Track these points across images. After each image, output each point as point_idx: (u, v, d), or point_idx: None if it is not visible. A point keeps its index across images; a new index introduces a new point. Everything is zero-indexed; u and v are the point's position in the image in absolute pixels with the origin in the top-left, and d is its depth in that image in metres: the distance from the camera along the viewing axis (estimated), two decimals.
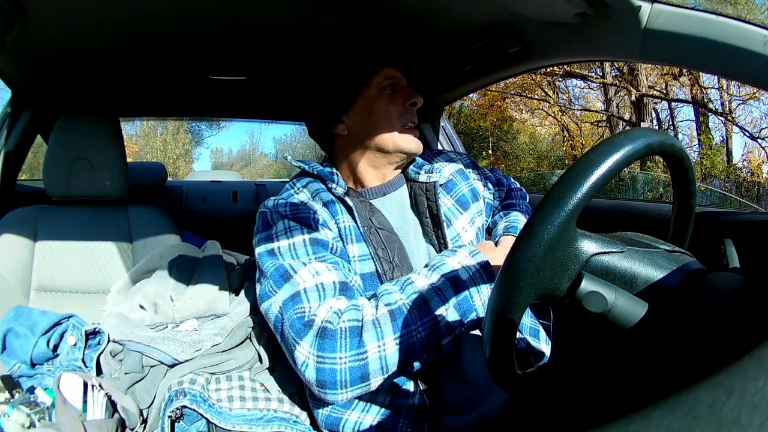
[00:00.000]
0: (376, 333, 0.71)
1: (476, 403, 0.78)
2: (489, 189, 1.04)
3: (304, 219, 0.83)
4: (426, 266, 0.80)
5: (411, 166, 0.94)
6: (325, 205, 0.87)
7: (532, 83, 12.45)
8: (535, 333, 0.90)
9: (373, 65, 0.90)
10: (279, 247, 0.81)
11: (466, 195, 0.96)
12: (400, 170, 0.95)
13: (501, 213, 1.03)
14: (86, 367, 0.92)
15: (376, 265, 0.83)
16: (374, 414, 0.79)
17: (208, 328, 0.99)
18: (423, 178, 0.92)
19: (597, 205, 1.24)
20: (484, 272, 0.77)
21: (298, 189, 0.90)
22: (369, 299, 0.78)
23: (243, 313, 1.00)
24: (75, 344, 0.94)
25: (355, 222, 0.85)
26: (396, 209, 0.92)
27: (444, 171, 0.97)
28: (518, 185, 1.12)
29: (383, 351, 0.70)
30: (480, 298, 0.75)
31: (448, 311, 0.73)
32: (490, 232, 1.02)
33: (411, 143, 0.90)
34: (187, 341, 0.92)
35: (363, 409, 0.80)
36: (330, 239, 0.83)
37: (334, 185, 0.88)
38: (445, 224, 0.89)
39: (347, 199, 0.86)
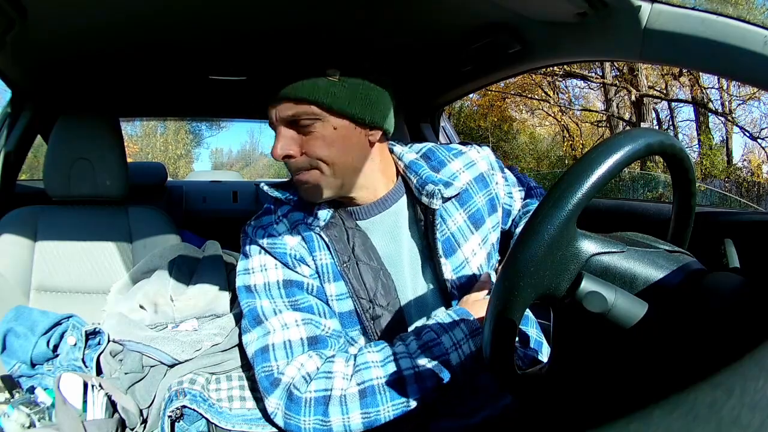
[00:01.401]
0: (342, 408, 0.71)
1: (482, 408, 0.78)
2: (509, 193, 0.94)
3: (280, 255, 0.80)
4: (419, 336, 0.75)
5: (414, 179, 0.84)
6: (304, 239, 0.81)
7: (532, 83, 12.45)
8: (538, 345, 0.89)
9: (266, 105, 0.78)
10: (255, 284, 0.81)
11: (482, 209, 0.87)
12: (391, 180, 0.85)
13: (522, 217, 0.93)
14: (86, 367, 0.93)
15: (354, 305, 0.80)
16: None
17: (208, 328, 0.99)
18: (424, 200, 0.82)
19: (597, 205, 1.24)
20: (478, 356, 0.73)
21: (279, 217, 0.85)
22: (345, 363, 0.75)
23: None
24: (75, 344, 0.94)
25: (333, 258, 0.80)
26: (387, 234, 0.84)
27: (459, 179, 0.86)
28: (535, 183, 1.00)
29: (348, 422, 0.71)
30: (465, 377, 0.73)
31: (426, 397, 0.72)
32: (508, 238, 0.95)
33: (302, 194, 0.80)
34: (186, 341, 0.92)
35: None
36: (306, 277, 0.80)
37: (311, 219, 0.82)
38: (444, 255, 0.81)
39: (322, 234, 0.81)
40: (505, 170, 0.96)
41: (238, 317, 0.99)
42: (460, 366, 0.73)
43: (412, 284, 0.84)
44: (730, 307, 0.43)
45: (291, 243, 0.81)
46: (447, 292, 0.82)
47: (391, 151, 0.88)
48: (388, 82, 0.81)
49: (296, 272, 0.80)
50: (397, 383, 0.72)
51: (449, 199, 0.84)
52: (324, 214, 0.82)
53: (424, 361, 0.73)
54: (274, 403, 0.74)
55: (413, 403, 0.71)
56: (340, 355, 0.76)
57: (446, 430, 0.76)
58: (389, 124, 0.82)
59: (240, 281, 0.83)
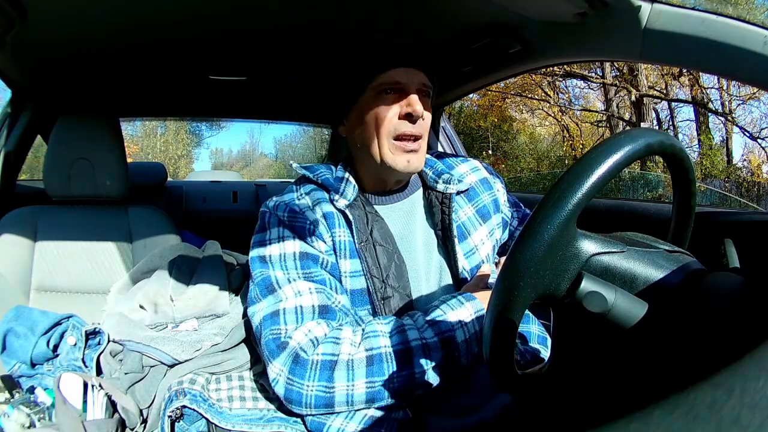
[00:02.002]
0: (348, 374, 0.71)
1: (479, 407, 0.78)
2: (508, 206, 0.98)
3: (299, 229, 0.82)
4: (426, 313, 0.77)
5: (429, 173, 0.90)
6: (324, 216, 0.83)
7: (532, 83, 12.45)
8: (543, 341, 0.89)
9: (369, 70, 0.82)
10: (270, 255, 0.81)
11: (487, 206, 0.92)
12: (407, 179, 0.90)
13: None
14: (86, 367, 0.93)
15: (367, 283, 0.81)
16: (357, 422, 0.77)
17: (208, 328, 0.99)
18: (440, 187, 0.88)
19: (597, 205, 1.24)
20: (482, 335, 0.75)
21: (301, 194, 0.87)
22: (353, 332, 0.76)
23: (243, 313, 1.00)
24: (75, 344, 0.94)
25: (352, 236, 0.82)
26: (403, 218, 0.88)
27: (466, 179, 0.93)
28: (529, 212, 1.03)
29: (351, 390, 0.71)
30: (469, 359, 0.75)
31: (431, 370, 0.73)
32: (502, 253, 0.97)
33: (398, 162, 0.82)
34: (186, 341, 0.92)
35: (346, 417, 0.77)
36: (322, 252, 0.82)
37: (337, 196, 0.84)
38: (457, 239, 0.85)
39: (347, 212, 0.83)
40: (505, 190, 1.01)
41: (239, 316, 0.99)
42: (466, 344, 0.74)
43: (425, 268, 0.86)
44: (730, 307, 0.43)
45: (311, 218, 0.83)
46: (458, 277, 0.85)
47: None
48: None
49: (313, 246, 0.82)
50: (404, 353, 0.73)
51: (459, 193, 0.90)
52: (350, 194, 0.84)
53: (430, 334, 0.74)
54: (277, 368, 0.73)
55: (417, 378, 0.72)
56: (348, 324, 0.78)
57: (445, 428, 0.76)
58: None
59: (255, 252, 0.83)
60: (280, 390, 0.74)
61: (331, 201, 0.85)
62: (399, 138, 0.82)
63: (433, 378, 0.73)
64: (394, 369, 0.72)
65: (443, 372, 0.74)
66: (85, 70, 1.35)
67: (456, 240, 0.85)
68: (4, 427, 0.75)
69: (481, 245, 0.88)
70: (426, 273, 0.86)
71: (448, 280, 0.87)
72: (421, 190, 0.91)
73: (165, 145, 18.06)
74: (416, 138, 0.83)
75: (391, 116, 0.81)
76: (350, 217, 0.83)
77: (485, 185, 0.94)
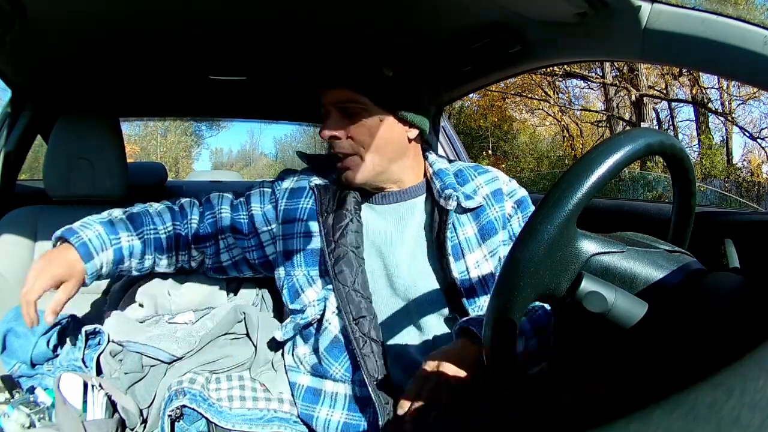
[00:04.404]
0: None
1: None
2: (520, 218, 0.93)
3: (269, 184, 0.97)
4: None
5: (437, 184, 0.89)
6: (297, 188, 0.94)
7: (532, 83, 12.45)
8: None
9: (320, 88, 0.87)
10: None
11: (494, 221, 0.89)
12: (418, 179, 0.92)
13: None
14: (86, 367, 0.92)
15: (321, 244, 0.85)
16: (341, 409, 0.82)
17: (204, 320, 1.00)
18: (441, 202, 0.87)
19: (597, 205, 1.24)
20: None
21: (299, 175, 0.97)
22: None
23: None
24: (75, 344, 0.93)
25: (316, 205, 0.88)
26: (394, 219, 0.90)
27: (479, 193, 0.90)
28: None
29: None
30: None
31: None
32: None
33: (341, 175, 0.88)
34: (182, 336, 0.93)
35: (330, 405, 0.83)
36: (258, 208, 0.93)
37: (315, 177, 0.93)
38: (452, 257, 0.84)
39: (316, 188, 0.90)
40: (519, 192, 0.95)
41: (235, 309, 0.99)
42: None
43: (408, 269, 0.87)
44: (730, 307, 0.43)
45: (287, 185, 0.94)
46: (455, 288, 0.85)
47: (426, 157, 0.94)
48: (433, 85, 0.90)
49: (251, 201, 0.94)
50: None
51: (467, 211, 0.88)
52: (328, 179, 0.92)
53: None
54: None
55: None
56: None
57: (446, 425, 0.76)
58: (426, 125, 0.89)
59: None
60: None
61: (309, 180, 0.93)
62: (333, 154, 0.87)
63: None
64: None
65: None
66: (85, 70, 1.34)
67: (451, 258, 0.85)
68: (4, 427, 0.75)
69: (474, 268, 0.85)
70: (409, 273, 0.87)
71: (434, 286, 0.87)
72: (424, 197, 0.92)
73: (165, 144, 18.07)
74: (344, 155, 0.86)
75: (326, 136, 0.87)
76: (317, 192, 0.89)
77: (496, 198, 0.91)
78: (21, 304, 0.79)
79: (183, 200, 1.00)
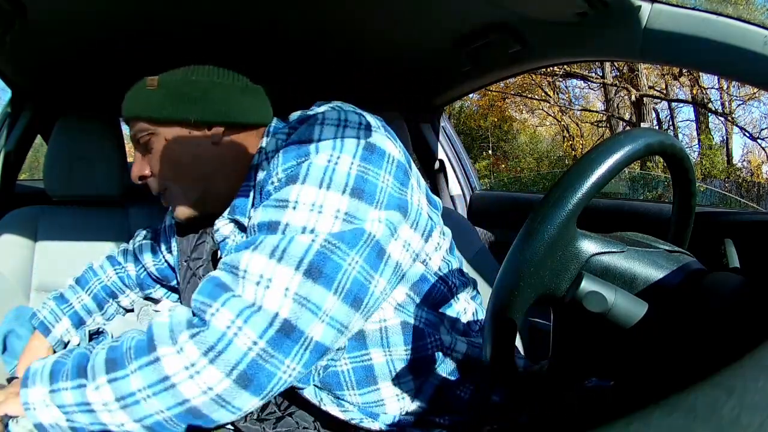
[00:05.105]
0: None
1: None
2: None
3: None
4: None
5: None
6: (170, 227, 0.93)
7: (532, 83, 12.45)
8: None
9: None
10: None
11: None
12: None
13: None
14: None
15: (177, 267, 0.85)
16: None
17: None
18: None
19: (597, 205, 1.24)
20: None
21: None
22: None
23: None
24: (78, 344, 0.94)
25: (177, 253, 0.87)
26: None
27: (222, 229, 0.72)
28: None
29: None
30: None
31: None
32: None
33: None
34: None
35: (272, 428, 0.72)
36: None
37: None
38: None
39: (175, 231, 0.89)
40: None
41: None
42: None
43: None
44: (730, 307, 0.43)
45: (167, 223, 0.95)
46: None
47: (260, 150, 0.73)
48: (219, 71, 0.75)
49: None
50: None
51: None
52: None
53: None
54: None
55: None
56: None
57: (466, 400, 0.73)
58: (234, 115, 0.73)
59: None
60: None
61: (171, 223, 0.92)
62: None
63: None
64: None
65: None
66: (85, 70, 1.34)
67: None
68: (12, 430, 0.75)
69: None
70: None
71: None
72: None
73: None
74: (160, 195, 0.76)
75: None
76: (177, 241, 0.88)
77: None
78: None
79: (121, 247, 1.07)
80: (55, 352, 0.91)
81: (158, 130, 0.72)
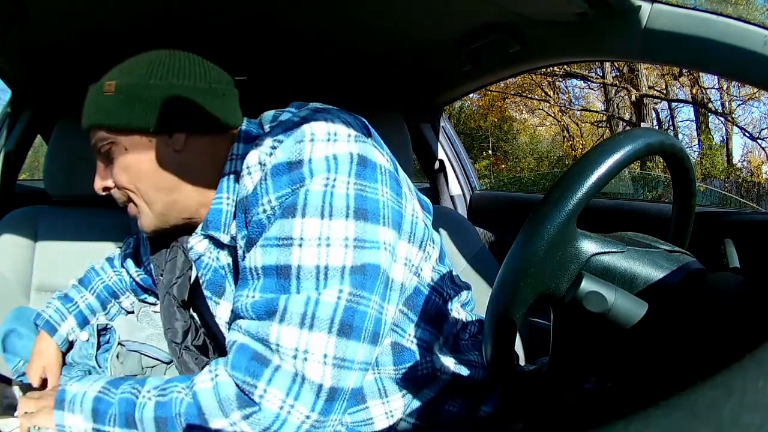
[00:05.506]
0: None
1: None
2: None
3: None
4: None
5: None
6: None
7: (532, 83, 12.45)
8: None
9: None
10: None
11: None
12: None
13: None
14: (100, 368, 0.93)
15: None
16: None
17: None
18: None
19: (597, 205, 1.24)
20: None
21: None
22: None
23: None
24: (87, 339, 0.94)
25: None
26: None
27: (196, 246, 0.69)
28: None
29: None
30: None
31: None
32: None
33: None
34: None
35: None
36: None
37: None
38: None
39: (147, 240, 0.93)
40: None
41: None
42: None
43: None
44: (730, 307, 0.43)
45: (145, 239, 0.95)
46: None
47: (231, 155, 0.68)
48: (181, 71, 0.69)
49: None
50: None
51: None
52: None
53: None
54: None
55: None
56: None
57: (455, 414, 0.73)
58: (197, 120, 0.67)
59: None
60: None
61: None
62: None
63: None
64: None
65: None
66: (85, 71, 1.34)
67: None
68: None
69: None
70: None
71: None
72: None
73: None
74: (124, 206, 0.72)
75: None
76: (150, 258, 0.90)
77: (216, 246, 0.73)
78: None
79: (116, 252, 1.08)
80: (62, 353, 0.93)
81: (118, 138, 0.67)
